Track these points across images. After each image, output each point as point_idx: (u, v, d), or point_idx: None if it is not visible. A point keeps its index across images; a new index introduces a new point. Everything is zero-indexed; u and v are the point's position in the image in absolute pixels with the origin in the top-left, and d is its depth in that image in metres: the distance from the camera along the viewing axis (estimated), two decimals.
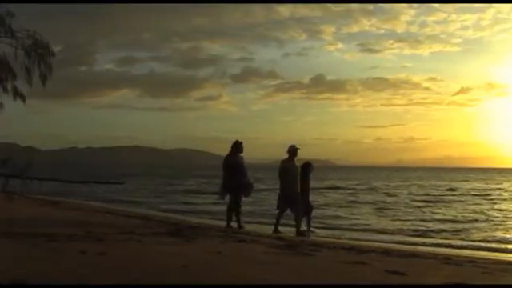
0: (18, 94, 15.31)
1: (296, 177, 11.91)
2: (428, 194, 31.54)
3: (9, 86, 15.18)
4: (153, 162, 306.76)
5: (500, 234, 13.89)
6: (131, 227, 9.96)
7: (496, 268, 7.25)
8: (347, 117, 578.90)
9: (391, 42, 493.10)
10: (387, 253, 8.57)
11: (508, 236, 13.67)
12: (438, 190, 37.82)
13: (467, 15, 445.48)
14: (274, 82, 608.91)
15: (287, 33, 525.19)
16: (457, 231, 14.28)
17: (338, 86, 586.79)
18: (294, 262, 6.75)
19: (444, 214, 19.12)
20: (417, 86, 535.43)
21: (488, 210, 21.31)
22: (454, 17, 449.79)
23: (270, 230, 12.07)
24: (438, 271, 6.59)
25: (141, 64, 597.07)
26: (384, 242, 11.73)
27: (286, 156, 12.00)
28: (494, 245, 12.04)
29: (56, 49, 16.82)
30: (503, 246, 11.96)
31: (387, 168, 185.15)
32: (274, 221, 12.08)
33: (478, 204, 24.43)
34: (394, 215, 18.72)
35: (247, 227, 12.03)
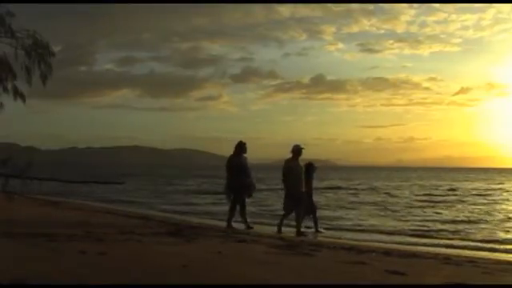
0: (18, 94, 15.29)
1: (300, 176, 11.92)
2: (429, 194, 31.48)
3: (9, 86, 15.15)
4: (153, 162, 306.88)
5: (500, 234, 13.87)
6: (131, 227, 9.96)
7: (496, 268, 7.24)
8: (347, 117, 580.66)
9: (391, 42, 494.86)
10: (387, 253, 8.57)
11: (508, 236, 13.64)
12: (439, 190, 37.80)
13: (467, 15, 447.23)
14: (274, 82, 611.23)
15: (287, 33, 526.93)
16: (457, 231, 14.25)
17: (338, 86, 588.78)
18: (294, 262, 6.75)
19: (445, 215, 19.09)
20: (417, 86, 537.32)
21: (489, 210, 21.27)
22: (454, 17, 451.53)
23: (270, 230, 12.08)
24: (438, 271, 6.59)
25: (141, 64, 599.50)
26: (384, 242, 11.71)
27: (289, 155, 12.01)
28: (494, 245, 12.01)
29: (56, 49, 16.82)
30: (503, 246, 11.94)
31: (387, 168, 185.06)
32: (278, 221, 12.09)
33: (479, 204, 24.38)
34: (395, 215, 18.69)
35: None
